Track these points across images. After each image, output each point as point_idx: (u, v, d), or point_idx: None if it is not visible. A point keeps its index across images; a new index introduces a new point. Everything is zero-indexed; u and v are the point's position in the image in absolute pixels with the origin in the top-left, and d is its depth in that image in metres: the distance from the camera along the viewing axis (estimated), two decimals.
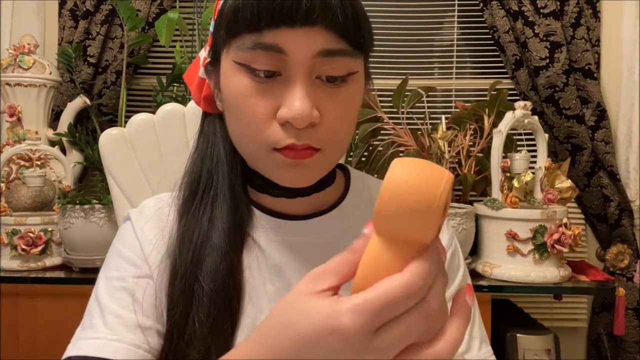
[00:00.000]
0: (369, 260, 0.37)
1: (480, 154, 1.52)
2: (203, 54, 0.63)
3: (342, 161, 0.90)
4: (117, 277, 0.59)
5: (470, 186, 1.49)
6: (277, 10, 0.49)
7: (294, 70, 0.51)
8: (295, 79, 0.51)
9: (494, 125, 1.43)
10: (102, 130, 1.27)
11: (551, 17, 1.72)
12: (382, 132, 1.55)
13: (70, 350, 0.55)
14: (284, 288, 0.60)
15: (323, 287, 0.38)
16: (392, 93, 1.55)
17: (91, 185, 1.79)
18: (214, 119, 0.63)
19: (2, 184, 1.56)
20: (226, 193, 0.60)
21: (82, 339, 0.56)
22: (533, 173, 1.40)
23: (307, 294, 0.38)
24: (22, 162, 1.61)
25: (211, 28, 0.60)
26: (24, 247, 1.42)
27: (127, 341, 0.54)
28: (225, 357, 0.44)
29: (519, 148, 1.50)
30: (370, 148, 1.55)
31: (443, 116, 1.54)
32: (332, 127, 0.54)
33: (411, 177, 0.34)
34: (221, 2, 0.55)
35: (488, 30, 1.82)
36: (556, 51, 1.71)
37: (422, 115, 1.72)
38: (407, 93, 1.55)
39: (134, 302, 0.57)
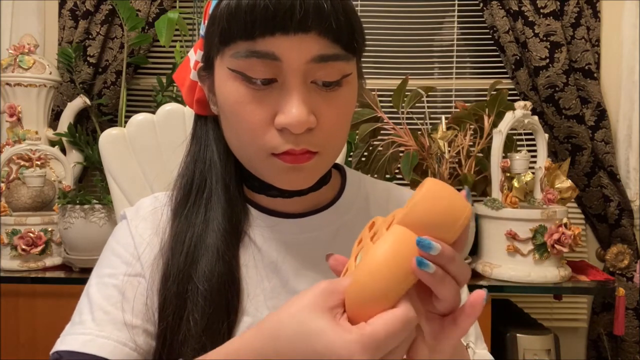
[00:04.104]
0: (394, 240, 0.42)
1: (480, 154, 1.52)
2: (193, 55, 0.63)
3: (342, 161, 0.90)
4: (109, 274, 0.59)
5: (470, 186, 1.49)
6: (272, 17, 0.49)
7: (289, 76, 0.51)
8: (291, 85, 0.51)
9: (494, 125, 1.43)
10: (102, 130, 1.27)
11: (551, 17, 1.72)
12: (382, 132, 1.55)
13: (58, 345, 0.56)
14: (281, 285, 0.60)
15: (334, 304, 0.42)
16: (392, 93, 1.55)
17: (91, 185, 1.79)
18: (206, 121, 0.63)
19: (2, 184, 1.56)
20: (220, 195, 0.60)
21: (70, 334, 0.57)
22: (533, 173, 1.40)
23: (320, 310, 0.41)
24: (22, 162, 1.61)
25: (201, 31, 0.59)
26: (24, 247, 1.42)
27: (114, 338, 0.55)
28: (223, 346, 0.46)
29: (519, 148, 1.50)
30: (370, 148, 1.55)
31: (443, 116, 1.54)
32: (329, 130, 0.54)
33: (449, 196, 0.42)
34: (212, 5, 0.55)
35: (488, 30, 1.82)
36: (556, 51, 1.71)
37: (422, 115, 1.72)
38: (407, 93, 1.55)
39: (123, 300, 0.57)
